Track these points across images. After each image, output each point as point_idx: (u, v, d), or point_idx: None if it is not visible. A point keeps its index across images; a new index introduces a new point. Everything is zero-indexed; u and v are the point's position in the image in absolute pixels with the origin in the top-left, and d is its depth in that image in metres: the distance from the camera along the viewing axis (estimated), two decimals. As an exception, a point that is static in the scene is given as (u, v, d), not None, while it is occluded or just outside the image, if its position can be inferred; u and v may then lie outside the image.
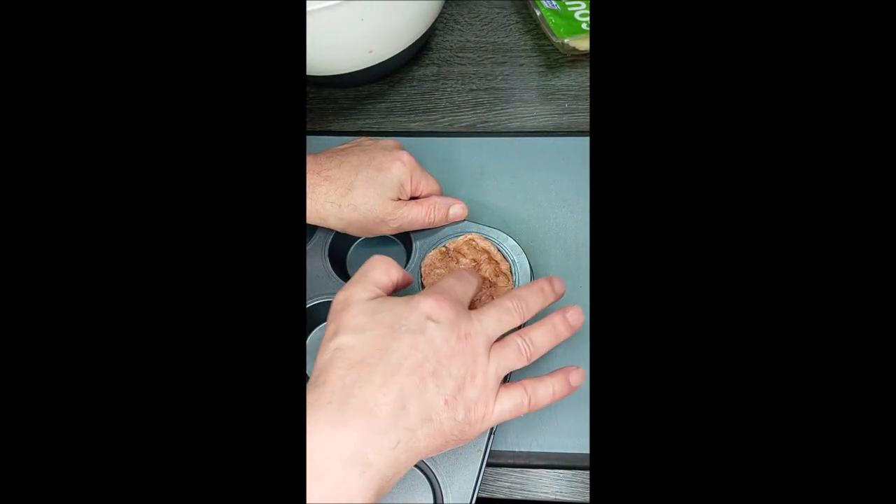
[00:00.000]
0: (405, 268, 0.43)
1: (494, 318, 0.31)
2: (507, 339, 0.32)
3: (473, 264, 0.43)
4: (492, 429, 0.37)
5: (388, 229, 0.42)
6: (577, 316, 0.34)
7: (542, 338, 0.32)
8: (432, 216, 0.42)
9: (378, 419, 0.27)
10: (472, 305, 0.41)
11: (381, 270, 0.33)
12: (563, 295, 0.35)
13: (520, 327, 0.33)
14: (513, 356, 0.31)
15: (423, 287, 0.42)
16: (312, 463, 0.26)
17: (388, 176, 0.40)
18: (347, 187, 0.39)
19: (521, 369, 0.32)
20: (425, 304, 0.30)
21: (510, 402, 0.31)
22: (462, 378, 0.29)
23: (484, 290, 0.42)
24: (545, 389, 0.32)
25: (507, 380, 0.33)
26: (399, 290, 0.35)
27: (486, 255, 0.43)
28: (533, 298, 0.33)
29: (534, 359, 0.32)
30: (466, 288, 0.33)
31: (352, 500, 0.26)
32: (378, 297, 0.32)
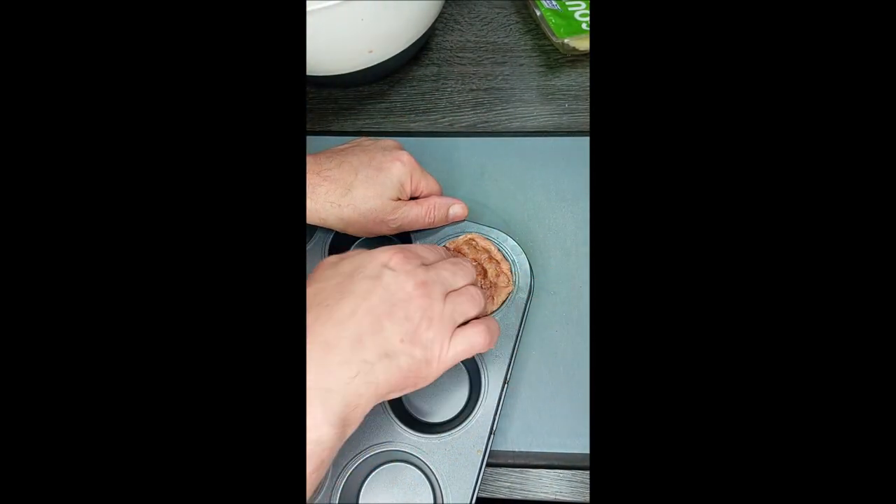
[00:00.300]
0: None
1: (450, 271, 0.34)
2: (462, 289, 0.34)
3: (474, 264, 0.43)
4: (492, 428, 0.37)
5: (388, 229, 0.42)
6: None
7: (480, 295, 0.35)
8: (432, 216, 0.42)
9: (335, 352, 0.29)
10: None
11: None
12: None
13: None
14: (468, 303, 0.34)
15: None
16: None
17: (388, 176, 0.40)
18: (347, 187, 0.39)
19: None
20: (384, 255, 0.33)
21: (465, 343, 0.33)
22: (418, 320, 0.31)
23: (484, 291, 0.42)
24: (493, 324, 0.35)
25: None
26: None
27: (486, 255, 0.43)
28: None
29: (483, 308, 0.35)
30: (431, 253, 0.36)
31: (317, 428, 0.28)
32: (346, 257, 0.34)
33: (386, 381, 0.30)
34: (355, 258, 0.33)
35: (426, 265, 0.34)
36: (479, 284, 0.42)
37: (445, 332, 0.32)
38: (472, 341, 0.33)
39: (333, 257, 0.35)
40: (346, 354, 0.29)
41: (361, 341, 0.30)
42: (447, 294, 0.33)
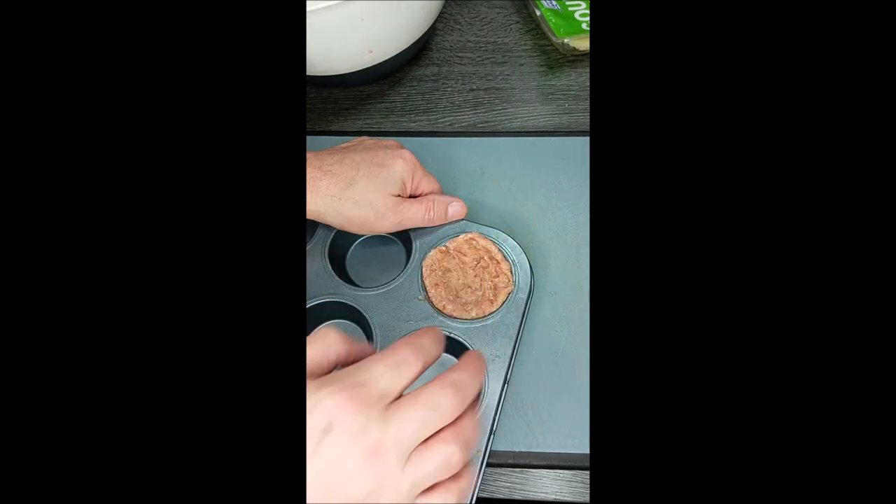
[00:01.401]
0: (405, 267, 0.43)
1: (418, 422, 0.25)
2: (433, 440, 0.26)
3: (474, 263, 0.43)
4: (492, 429, 0.37)
5: (388, 226, 0.42)
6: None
7: (472, 428, 0.27)
8: (432, 214, 0.42)
9: None
10: (465, 298, 0.40)
11: (318, 348, 0.28)
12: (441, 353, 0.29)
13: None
14: (438, 466, 0.25)
15: (424, 288, 0.42)
16: None
17: (389, 172, 0.40)
18: (349, 181, 0.40)
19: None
20: (327, 404, 0.25)
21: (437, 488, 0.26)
22: (362, 499, 0.24)
23: (485, 290, 0.42)
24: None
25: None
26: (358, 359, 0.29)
27: (486, 255, 0.43)
28: (471, 382, 0.27)
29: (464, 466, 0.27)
30: (398, 378, 0.26)
31: None
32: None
33: None
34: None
35: (382, 415, 0.25)
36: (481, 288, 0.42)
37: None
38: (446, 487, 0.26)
39: None
40: None
41: None
42: (410, 455, 0.25)
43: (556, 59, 0.56)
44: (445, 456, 0.25)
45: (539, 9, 0.56)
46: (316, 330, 0.31)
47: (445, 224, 0.44)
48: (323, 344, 0.28)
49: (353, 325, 0.44)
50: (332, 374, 0.27)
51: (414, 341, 0.28)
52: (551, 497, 0.38)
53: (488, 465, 0.37)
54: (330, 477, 0.24)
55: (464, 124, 0.53)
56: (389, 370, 0.26)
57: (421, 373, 0.27)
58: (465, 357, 0.29)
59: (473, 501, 0.35)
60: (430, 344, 0.28)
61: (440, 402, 0.26)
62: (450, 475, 0.26)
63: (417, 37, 0.51)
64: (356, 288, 0.43)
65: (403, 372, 0.27)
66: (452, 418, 0.26)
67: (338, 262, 0.45)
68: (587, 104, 0.53)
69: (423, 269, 0.42)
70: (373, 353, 0.29)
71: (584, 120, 0.52)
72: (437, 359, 0.28)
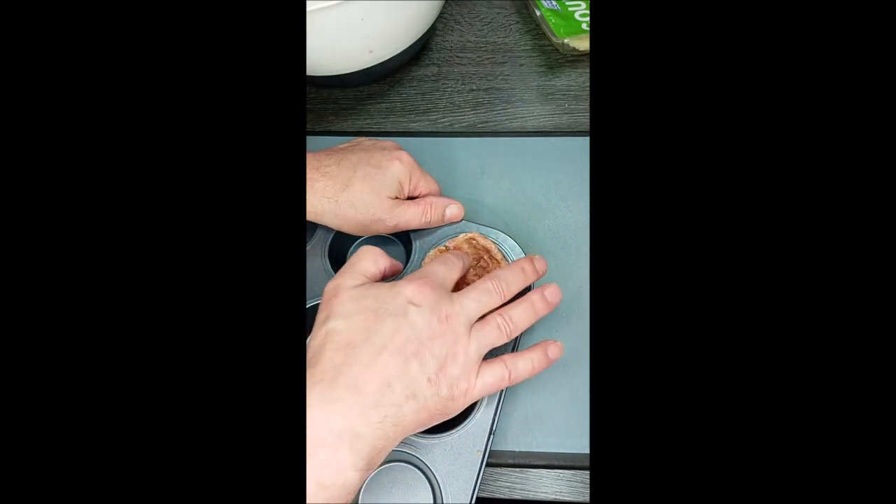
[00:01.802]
0: (405, 267, 0.43)
1: (474, 300, 0.33)
2: (488, 318, 0.33)
3: (474, 263, 0.43)
4: (492, 428, 0.37)
5: (385, 228, 0.42)
6: (555, 293, 0.36)
7: (521, 315, 0.34)
8: (429, 216, 0.42)
9: (366, 395, 0.29)
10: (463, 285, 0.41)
11: (368, 260, 0.35)
12: (544, 272, 0.38)
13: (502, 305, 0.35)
14: (493, 334, 0.33)
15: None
16: (307, 437, 0.27)
17: (386, 174, 0.40)
18: (345, 183, 0.40)
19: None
20: (407, 289, 0.32)
21: (492, 377, 0.33)
22: (444, 357, 0.31)
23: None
24: (524, 363, 0.34)
25: (492, 355, 0.35)
26: (388, 278, 0.37)
27: (486, 254, 0.43)
28: (513, 279, 0.35)
29: (513, 336, 0.34)
30: (450, 272, 0.35)
31: (343, 471, 0.28)
32: (365, 284, 0.33)
33: (413, 422, 0.31)
34: (378, 292, 0.32)
35: (448, 295, 0.33)
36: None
37: (471, 366, 0.32)
38: (500, 376, 0.33)
39: (348, 283, 0.33)
40: (374, 398, 0.29)
41: (390, 384, 0.29)
42: (471, 326, 0.33)
43: (556, 59, 0.56)
44: (498, 325, 0.33)
45: (539, 9, 0.56)
46: (361, 249, 0.35)
47: (444, 225, 0.44)
48: (371, 257, 0.35)
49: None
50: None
51: (452, 252, 0.38)
52: (551, 497, 0.38)
53: (488, 465, 0.37)
54: (420, 334, 0.31)
55: (464, 124, 0.53)
56: (442, 267, 0.35)
57: (464, 271, 0.37)
58: (514, 262, 0.37)
59: (473, 501, 0.35)
60: (455, 259, 0.37)
61: (488, 288, 0.34)
62: (501, 342, 0.33)
63: (417, 37, 0.51)
64: (356, 288, 0.43)
65: (453, 268, 0.36)
66: (499, 301, 0.34)
67: (337, 262, 0.45)
68: (587, 104, 0.53)
69: (423, 268, 0.42)
70: (401, 270, 0.39)
71: (584, 120, 0.52)
72: (470, 263, 0.37)
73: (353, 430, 0.28)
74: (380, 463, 0.30)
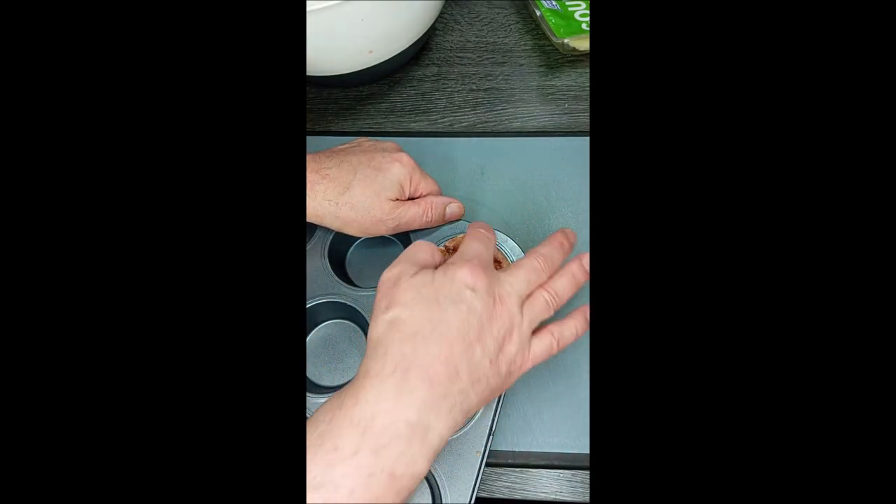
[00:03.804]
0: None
1: (524, 279, 0.34)
2: (536, 293, 0.35)
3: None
4: (491, 429, 0.37)
5: (386, 229, 0.42)
6: (589, 261, 0.37)
7: (565, 287, 0.36)
8: (429, 215, 0.42)
9: (437, 385, 0.30)
10: None
11: (426, 253, 0.36)
12: (575, 243, 0.39)
13: None
14: (542, 309, 0.34)
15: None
16: (381, 427, 0.28)
17: (386, 176, 0.40)
18: (345, 186, 0.40)
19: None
20: (461, 274, 0.33)
21: (540, 347, 0.34)
22: (502, 338, 0.32)
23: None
24: (569, 330, 0.35)
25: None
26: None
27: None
28: (556, 253, 0.37)
29: (559, 307, 0.35)
30: (489, 248, 0.36)
31: (416, 462, 0.28)
32: (421, 272, 0.34)
33: (478, 403, 0.31)
34: (435, 280, 0.33)
35: (497, 275, 0.34)
36: None
37: (526, 341, 0.33)
38: (549, 345, 0.34)
39: (405, 270, 0.33)
40: (445, 387, 0.30)
41: (458, 372, 0.30)
42: (524, 302, 0.34)
43: (556, 59, 0.56)
44: (545, 300, 0.35)
45: (539, 9, 0.56)
46: (415, 243, 0.36)
47: (444, 224, 0.44)
48: (430, 249, 0.36)
49: (353, 325, 0.44)
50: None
51: (481, 227, 0.38)
52: (551, 497, 0.38)
53: (488, 464, 0.37)
54: (481, 318, 0.31)
55: (464, 124, 0.53)
56: (482, 246, 0.36)
57: (493, 253, 0.37)
58: (550, 237, 0.38)
59: (473, 501, 0.35)
60: (487, 234, 0.37)
61: (535, 266, 0.35)
62: (548, 315, 0.35)
63: (417, 37, 0.51)
64: (356, 288, 0.43)
65: (490, 245, 0.37)
66: (545, 278, 0.35)
67: (337, 262, 0.45)
68: (587, 104, 0.53)
69: (423, 269, 0.42)
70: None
71: (584, 120, 0.52)
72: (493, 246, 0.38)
73: (426, 421, 0.29)
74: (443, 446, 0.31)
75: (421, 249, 0.36)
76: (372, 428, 0.28)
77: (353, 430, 0.28)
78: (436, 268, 0.36)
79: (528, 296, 0.34)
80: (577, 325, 0.36)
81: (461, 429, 0.37)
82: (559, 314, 0.36)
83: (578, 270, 0.36)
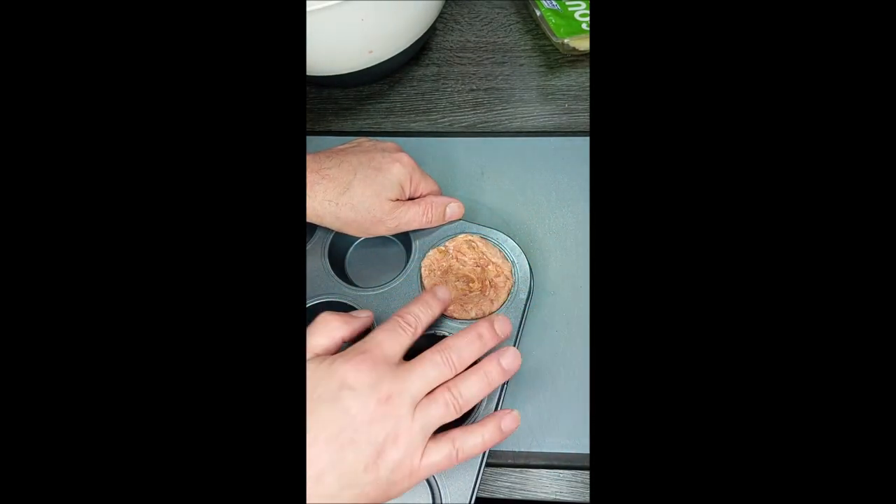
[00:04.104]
0: (404, 268, 0.43)
1: (420, 376, 0.31)
2: (435, 393, 0.31)
3: (474, 263, 0.43)
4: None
5: (386, 229, 0.42)
6: (513, 360, 0.33)
7: (472, 388, 0.31)
8: (430, 215, 0.42)
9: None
10: (465, 298, 0.40)
11: (322, 335, 0.33)
12: (507, 336, 0.34)
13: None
14: (440, 412, 0.31)
15: (423, 288, 0.42)
16: None
17: (386, 176, 0.40)
18: (345, 186, 0.39)
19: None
20: (343, 370, 0.30)
21: (438, 455, 0.31)
22: (382, 442, 0.29)
23: (485, 291, 0.42)
24: (474, 439, 0.32)
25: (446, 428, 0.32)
26: (360, 334, 0.35)
27: (486, 255, 0.43)
28: (467, 349, 0.32)
29: (464, 410, 0.31)
30: (398, 341, 0.32)
31: None
32: (311, 361, 0.31)
33: None
34: (314, 375, 0.30)
35: (392, 371, 0.30)
36: (474, 289, 0.42)
37: (416, 448, 0.30)
38: (447, 454, 0.31)
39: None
40: (309, 489, 0.28)
41: (321, 478, 0.28)
42: (417, 404, 0.30)
43: (556, 59, 0.56)
44: (447, 402, 0.31)
45: (539, 9, 0.56)
46: (317, 319, 0.33)
47: (444, 224, 0.44)
48: (326, 330, 0.33)
49: (353, 325, 0.44)
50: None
51: (405, 312, 0.34)
52: (551, 497, 0.38)
53: (488, 464, 0.37)
54: (355, 420, 0.29)
55: (464, 124, 0.53)
56: (389, 336, 0.32)
57: (416, 338, 0.33)
58: (470, 326, 0.34)
59: (473, 501, 0.35)
60: (420, 311, 0.34)
61: (436, 361, 0.31)
62: (449, 419, 0.31)
63: (417, 37, 0.51)
64: (356, 288, 0.43)
65: (401, 337, 0.32)
66: (450, 375, 0.31)
67: (337, 262, 0.45)
68: (587, 104, 0.53)
69: (423, 269, 0.42)
70: (371, 323, 0.36)
71: (584, 120, 0.52)
72: (430, 324, 0.34)
73: None
74: None
75: (316, 332, 0.33)
76: None
77: None
78: (341, 344, 0.33)
79: (428, 394, 0.31)
80: (485, 435, 0.32)
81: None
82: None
83: (494, 370, 0.32)
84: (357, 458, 0.29)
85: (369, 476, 0.29)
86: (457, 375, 0.32)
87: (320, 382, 0.30)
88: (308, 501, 0.27)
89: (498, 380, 0.32)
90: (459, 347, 0.32)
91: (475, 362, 0.33)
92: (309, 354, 0.32)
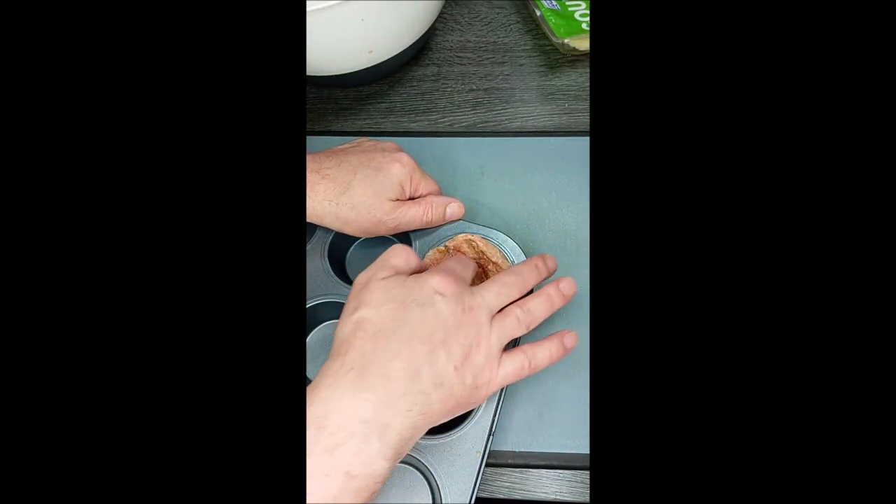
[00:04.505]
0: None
1: (494, 292, 0.34)
2: (507, 309, 0.34)
3: (474, 263, 0.43)
4: (491, 429, 0.37)
5: (386, 229, 0.42)
6: (570, 286, 0.37)
7: (538, 307, 0.35)
8: (430, 215, 0.42)
9: (395, 384, 0.29)
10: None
11: (401, 258, 0.36)
12: (555, 271, 0.39)
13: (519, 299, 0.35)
14: (512, 325, 0.34)
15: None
16: (335, 426, 0.28)
17: (386, 176, 0.40)
18: (346, 186, 0.39)
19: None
20: (433, 280, 0.33)
21: (512, 366, 0.34)
22: (468, 346, 0.32)
23: None
24: (543, 352, 0.35)
25: (511, 346, 0.35)
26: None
27: (486, 255, 0.43)
28: (529, 274, 0.36)
29: (532, 327, 0.35)
30: (467, 269, 0.37)
31: (373, 461, 0.28)
32: (394, 276, 0.34)
33: (440, 410, 0.31)
34: (405, 282, 0.33)
35: (469, 287, 0.34)
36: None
37: (493, 356, 0.33)
38: (520, 364, 0.34)
39: (378, 275, 0.34)
40: (404, 386, 0.29)
41: (419, 373, 0.30)
42: (493, 317, 0.33)
43: (556, 59, 0.56)
44: (517, 317, 0.34)
45: (539, 9, 0.56)
46: (393, 247, 0.36)
47: (444, 224, 0.44)
48: (404, 254, 0.36)
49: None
50: None
51: (462, 258, 0.39)
52: (551, 497, 0.38)
53: (488, 464, 0.37)
54: (447, 323, 0.31)
55: (464, 124, 0.53)
56: (460, 265, 0.36)
57: (475, 274, 0.38)
58: (528, 259, 0.38)
59: (473, 501, 0.35)
60: (469, 261, 0.38)
61: (506, 282, 0.35)
62: (520, 333, 0.34)
63: (417, 37, 0.51)
64: (356, 288, 0.43)
65: (469, 267, 0.37)
66: (517, 295, 0.35)
67: (337, 262, 0.45)
68: (587, 104, 0.53)
69: (423, 269, 0.42)
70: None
71: (584, 120, 0.52)
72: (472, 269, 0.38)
73: (382, 419, 0.28)
74: (407, 451, 0.30)
75: (396, 254, 0.36)
76: (326, 427, 0.27)
77: (307, 430, 0.27)
78: (412, 272, 0.36)
79: (500, 311, 0.34)
80: (552, 349, 0.35)
81: (461, 429, 0.37)
82: (537, 337, 0.35)
83: (555, 293, 0.36)
84: (448, 358, 0.31)
85: (458, 377, 0.31)
86: (522, 297, 0.35)
87: (413, 289, 0.32)
88: (405, 398, 0.29)
89: (559, 303, 0.36)
90: (523, 272, 0.36)
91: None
92: (388, 271, 0.34)
